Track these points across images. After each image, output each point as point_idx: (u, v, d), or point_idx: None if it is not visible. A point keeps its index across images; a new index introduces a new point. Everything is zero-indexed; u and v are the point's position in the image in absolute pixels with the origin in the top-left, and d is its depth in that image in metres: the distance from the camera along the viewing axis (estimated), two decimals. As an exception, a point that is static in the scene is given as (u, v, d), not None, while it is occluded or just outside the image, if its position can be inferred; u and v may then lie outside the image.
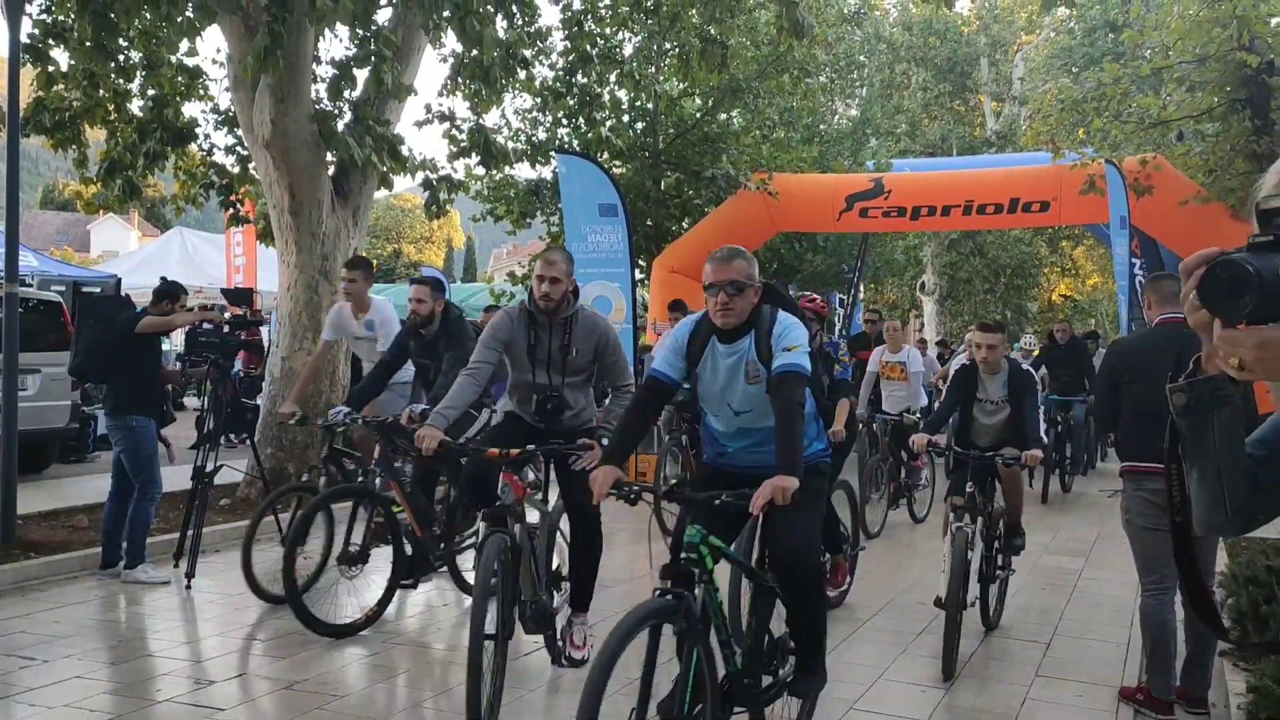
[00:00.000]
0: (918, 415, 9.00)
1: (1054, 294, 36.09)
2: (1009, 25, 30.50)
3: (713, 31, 11.67)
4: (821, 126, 20.59)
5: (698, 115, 16.62)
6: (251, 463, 8.54)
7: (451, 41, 10.26)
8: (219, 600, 6.21)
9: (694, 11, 13.58)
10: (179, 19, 8.65)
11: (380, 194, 10.74)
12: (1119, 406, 4.57)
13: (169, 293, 7.54)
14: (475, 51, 9.75)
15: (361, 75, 9.54)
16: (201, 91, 10.99)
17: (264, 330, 16.32)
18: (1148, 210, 12.67)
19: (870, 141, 23.07)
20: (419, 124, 12.31)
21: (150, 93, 10.61)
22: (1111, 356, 4.78)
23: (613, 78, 15.29)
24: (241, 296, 7.10)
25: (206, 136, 11.29)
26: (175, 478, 7.60)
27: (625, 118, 16.21)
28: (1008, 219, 15.49)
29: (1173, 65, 13.23)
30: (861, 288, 24.52)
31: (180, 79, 10.59)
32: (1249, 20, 10.72)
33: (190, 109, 10.98)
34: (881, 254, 22.05)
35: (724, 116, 16.97)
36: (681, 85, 16.13)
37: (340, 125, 9.56)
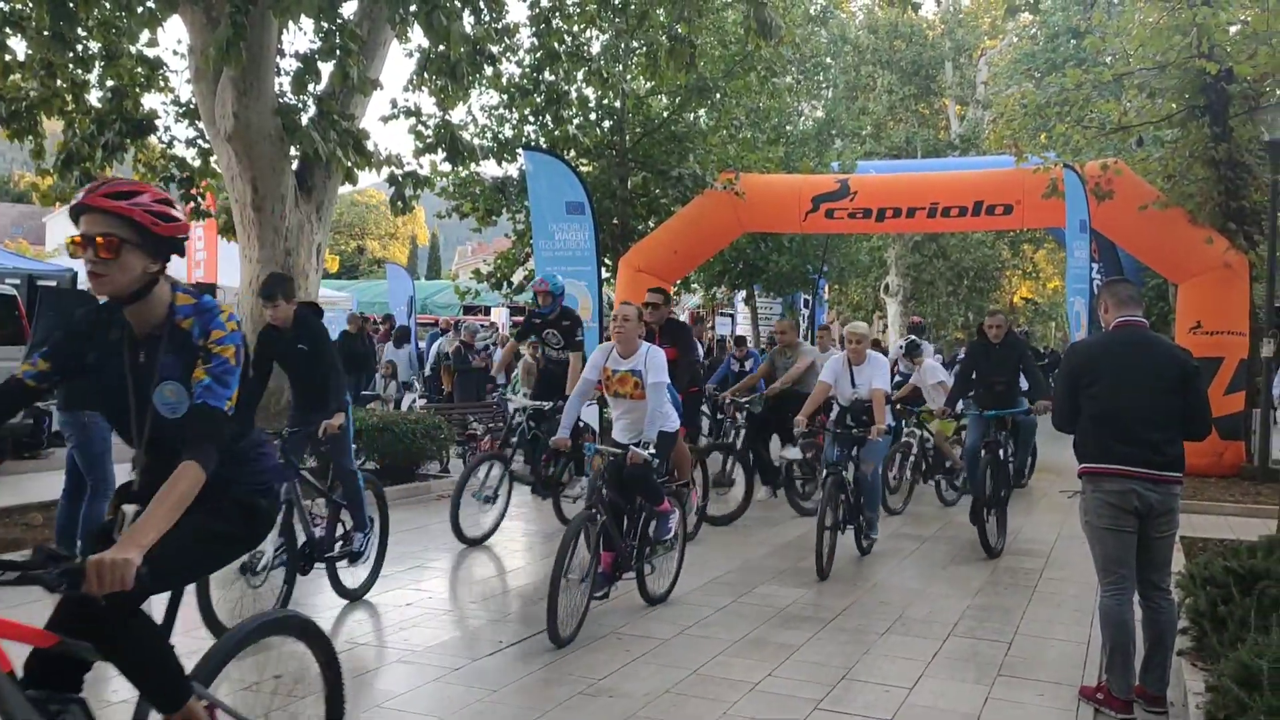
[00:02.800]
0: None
1: (1015, 297, 36.51)
2: (973, 30, 30.80)
3: (681, 31, 11.66)
4: (788, 127, 20.67)
5: (665, 114, 16.61)
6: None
7: (418, 36, 10.22)
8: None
9: (661, 11, 13.58)
10: (139, 9, 8.52)
11: (344, 189, 10.67)
12: (1078, 409, 4.60)
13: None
14: (442, 47, 9.69)
15: (326, 69, 9.44)
16: (162, 83, 10.82)
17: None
18: (1108, 215, 12.82)
19: (836, 143, 23.21)
20: (384, 119, 12.24)
21: (109, 83, 10.43)
22: (1071, 358, 4.81)
23: (580, 75, 15.25)
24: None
25: (167, 129, 11.14)
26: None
27: (592, 116, 16.17)
28: (972, 221, 15.62)
29: (1133, 72, 13.41)
30: (827, 288, 24.69)
31: (140, 70, 10.43)
32: (1208, 28, 10.87)
33: (150, 100, 10.80)
34: (846, 255, 22.19)
35: (691, 116, 16.98)
36: (649, 84, 16.12)
37: (304, 119, 9.45)
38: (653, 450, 5.83)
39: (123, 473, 6.74)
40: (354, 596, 6.18)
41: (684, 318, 20.94)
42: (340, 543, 6.15)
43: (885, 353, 12.84)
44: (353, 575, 6.25)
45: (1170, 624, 4.57)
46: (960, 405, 9.28)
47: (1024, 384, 10.08)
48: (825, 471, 7.55)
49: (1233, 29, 11.49)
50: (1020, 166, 13.66)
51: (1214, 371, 11.87)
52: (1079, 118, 13.76)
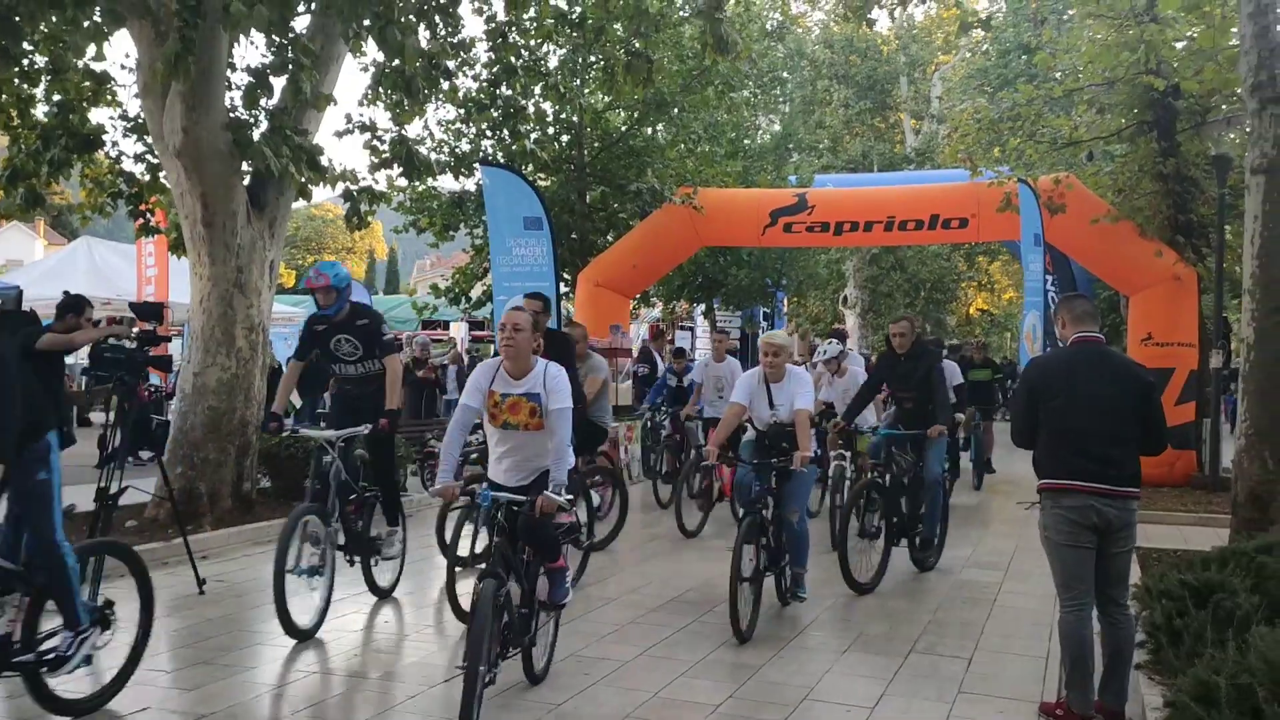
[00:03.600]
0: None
1: (971, 308, 36.92)
2: (927, 45, 31.19)
3: (638, 46, 11.65)
4: (745, 141, 20.78)
5: (623, 129, 16.62)
6: (160, 483, 8.23)
7: (373, 50, 10.09)
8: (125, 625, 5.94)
9: (619, 26, 13.59)
10: (85, 23, 8.34)
11: (300, 204, 10.51)
12: (1037, 424, 4.62)
13: (73, 306, 7.25)
14: (397, 61, 9.59)
15: (279, 83, 9.30)
16: (109, 97, 10.60)
17: (176, 343, 15.87)
18: (1060, 228, 12.99)
19: (793, 156, 23.36)
20: (339, 134, 12.09)
21: (55, 98, 10.20)
22: (1030, 374, 4.83)
23: (537, 90, 15.21)
24: (150, 311, 6.81)
25: (114, 144, 10.95)
26: (79, 498, 7.27)
27: (550, 130, 16.14)
28: (928, 235, 15.78)
29: (1083, 88, 13.62)
30: (786, 301, 24.81)
31: (87, 84, 10.20)
32: (1155, 45, 11.07)
33: (97, 115, 10.57)
34: (804, 268, 22.31)
35: (649, 130, 17.00)
36: (606, 98, 16.12)
37: (256, 134, 9.30)
38: (568, 496, 4.81)
39: (73, 496, 6.59)
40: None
41: (644, 331, 20.92)
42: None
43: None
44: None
45: (1129, 639, 4.59)
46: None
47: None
48: (741, 511, 6.37)
49: (1179, 45, 11.71)
50: (975, 181, 13.82)
51: (1165, 382, 12.04)
52: (1031, 132, 13.96)
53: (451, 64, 11.49)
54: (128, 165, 11.06)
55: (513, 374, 4.87)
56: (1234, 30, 9.47)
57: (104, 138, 10.59)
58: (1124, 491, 4.42)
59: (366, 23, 8.88)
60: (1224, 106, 12.54)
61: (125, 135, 11.06)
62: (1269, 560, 5.19)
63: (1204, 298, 12.61)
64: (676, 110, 16.47)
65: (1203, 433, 12.46)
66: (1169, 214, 12.63)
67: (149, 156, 10.79)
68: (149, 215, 11.31)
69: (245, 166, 9.34)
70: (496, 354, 5.49)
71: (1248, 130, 7.74)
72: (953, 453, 10.97)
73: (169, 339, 8.48)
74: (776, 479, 6.27)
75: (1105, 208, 12.88)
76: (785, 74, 25.36)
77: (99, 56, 9.84)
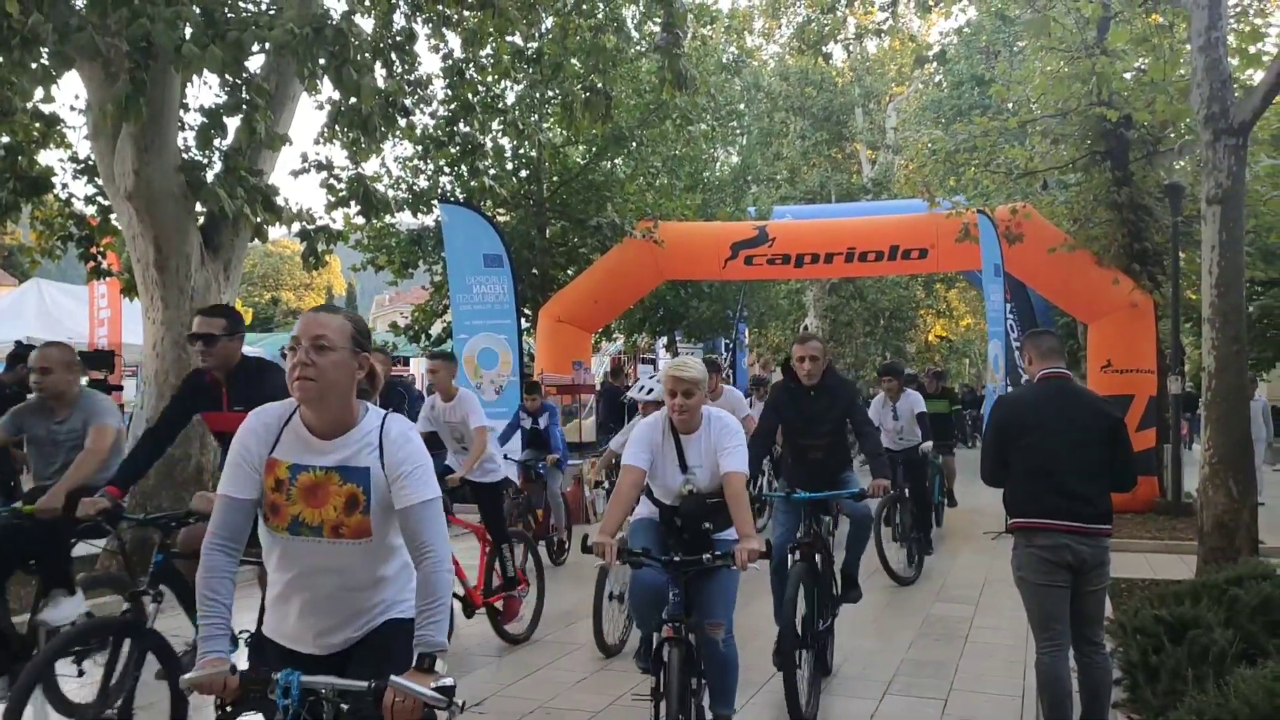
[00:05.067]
0: None
1: (930, 335, 37.24)
2: (881, 77, 31.60)
3: (595, 82, 11.65)
4: (704, 174, 20.87)
5: (582, 163, 16.62)
6: (111, 535, 7.97)
7: (328, 89, 9.99)
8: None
9: (576, 61, 13.60)
10: (33, 65, 8.17)
11: (256, 241, 10.31)
12: (1006, 463, 4.58)
13: (22, 356, 7.06)
14: (353, 100, 9.49)
15: (233, 124, 9.17)
16: (59, 139, 10.41)
17: (131, 384, 15.53)
18: (1019, 257, 13.10)
19: (751, 188, 23.51)
20: (295, 173, 11.96)
21: (3, 140, 10.00)
22: (999, 413, 4.79)
23: (495, 126, 15.17)
24: (101, 360, 6.66)
25: (64, 186, 10.71)
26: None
27: (509, 166, 16.10)
28: (888, 266, 15.87)
29: (1037, 119, 13.80)
30: (747, 332, 24.85)
31: (36, 126, 10.01)
32: (1107, 76, 11.22)
33: (47, 157, 10.34)
34: (766, 299, 22.39)
35: (608, 164, 17.02)
36: (565, 133, 16.12)
37: (210, 176, 9.14)
38: (447, 680, 2.65)
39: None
40: None
41: (605, 364, 20.83)
42: None
43: None
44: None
45: (1105, 678, 4.54)
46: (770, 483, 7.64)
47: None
48: (654, 638, 4.26)
49: (1128, 76, 11.90)
50: (933, 211, 13.93)
51: (1125, 409, 12.14)
52: (986, 162, 14.12)
53: (409, 102, 11.42)
54: (79, 207, 10.86)
55: (316, 429, 2.66)
56: (1183, 61, 9.64)
57: (54, 180, 10.39)
58: (1097, 529, 4.39)
59: (322, 62, 8.78)
60: (1174, 136, 12.76)
61: (75, 177, 10.86)
62: (1240, 593, 5.18)
63: (1161, 324, 12.76)
64: (635, 144, 16.50)
65: (1164, 458, 12.57)
66: (1124, 242, 12.80)
67: (100, 199, 10.59)
68: (100, 258, 11.09)
69: (199, 208, 9.18)
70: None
71: (1199, 161, 7.84)
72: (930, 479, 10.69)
73: (120, 388, 8.26)
74: (690, 580, 4.14)
75: (1062, 237, 13.02)
76: (742, 106, 25.56)
77: (48, 98, 9.67)
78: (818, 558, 5.66)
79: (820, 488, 5.81)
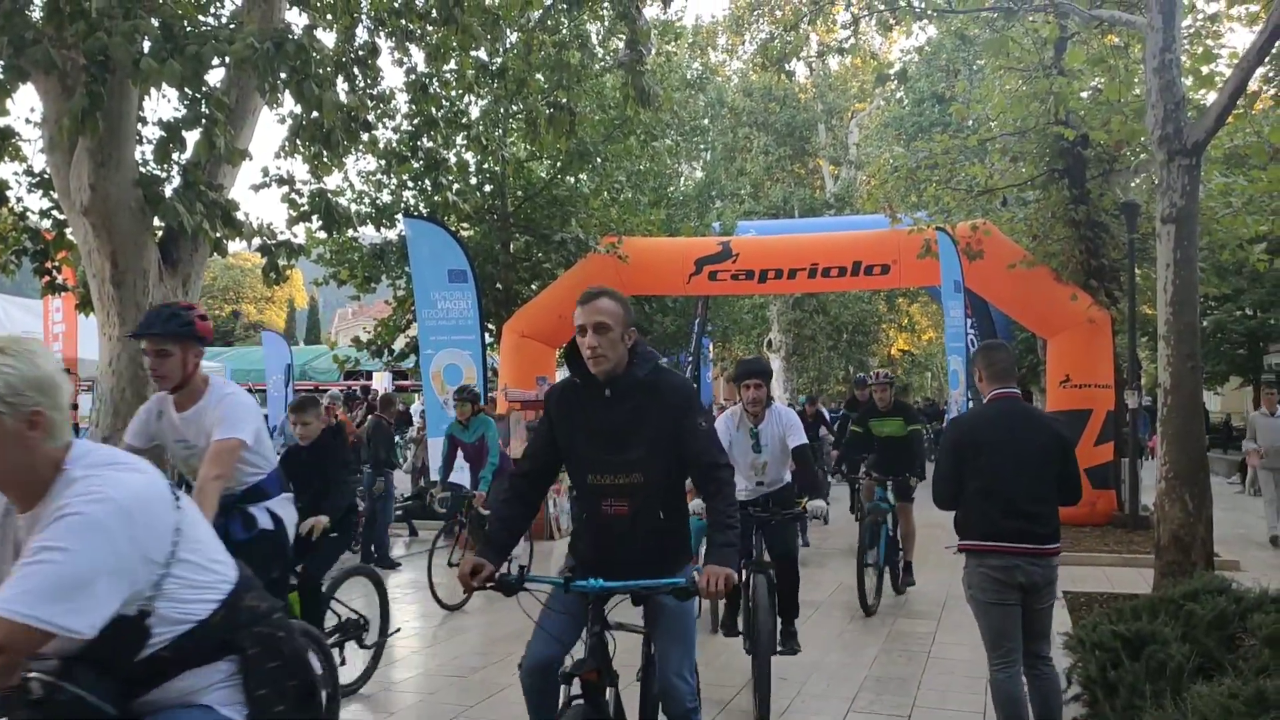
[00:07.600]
0: None
1: (893, 349, 37.53)
2: (843, 93, 31.90)
3: (559, 98, 11.65)
4: (669, 189, 20.94)
5: (546, 178, 16.61)
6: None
7: (290, 103, 9.91)
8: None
9: (540, 76, 13.59)
10: (-13, 77, 8.04)
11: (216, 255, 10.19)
12: (961, 486, 4.60)
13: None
14: (315, 114, 9.42)
15: (191, 137, 9.06)
16: (14, 152, 10.24)
17: (86, 399, 15.26)
18: (979, 273, 13.25)
19: (716, 203, 23.60)
20: (255, 187, 11.83)
21: (-45, 153, 9.82)
22: (952, 434, 4.80)
23: (459, 140, 15.12)
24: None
25: (19, 199, 10.51)
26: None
27: (473, 181, 16.05)
28: (851, 281, 15.98)
29: (996, 136, 13.99)
30: (711, 347, 24.91)
31: (-11, 139, 9.84)
32: (1064, 96, 11.41)
33: (1, 170, 10.18)
34: (729, 314, 22.45)
35: (572, 179, 17.02)
36: (529, 148, 16.10)
37: (168, 190, 9.03)
38: None
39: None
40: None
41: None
42: None
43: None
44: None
45: (1055, 691, 4.57)
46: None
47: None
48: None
49: (1084, 96, 12.10)
50: (895, 228, 14.06)
51: (1084, 423, 12.29)
52: (947, 179, 14.28)
53: (371, 116, 11.34)
54: (33, 220, 10.68)
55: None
56: (1138, 82, 9.82)
57: (8, 193, 10.22)
58: (1047, 549, 4.44)
59: (283, 76, 8.71)
60: (1129, 155, 12.98)
61: (30, 191, 10.69)
62: (1196, 608, 5.25)
63: (1118, 339, 12.94)
64: (599, 159, 16.51)
65: (1122, 472, 12.74)
66: (1082, 259, 12.98)
67: (55, 212, 10.43)
68: (55, 272, 10.91)
69: (157, 223, 9.06)
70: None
71: (1155, 180, 7.97)
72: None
73: (74, 406, 8.12)
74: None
75: (1021, 253, 13.19)
76: (706, 122, 25.70)
77: (2, 111, 9.52)
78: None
79: (626, 567, 3.35)
